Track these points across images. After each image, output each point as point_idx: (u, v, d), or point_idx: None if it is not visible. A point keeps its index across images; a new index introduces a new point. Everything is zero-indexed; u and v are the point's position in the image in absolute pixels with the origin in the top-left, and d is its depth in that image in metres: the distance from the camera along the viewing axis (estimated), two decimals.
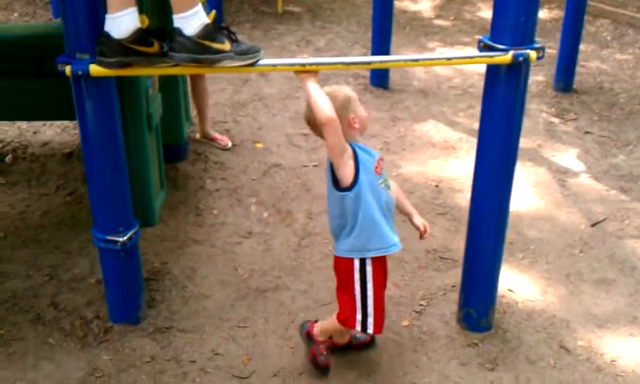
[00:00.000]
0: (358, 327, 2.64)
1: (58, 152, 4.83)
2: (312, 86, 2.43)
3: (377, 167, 2.57)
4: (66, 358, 2.93)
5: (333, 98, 2.45)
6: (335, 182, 2.53)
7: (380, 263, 2.63)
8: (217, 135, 4.95)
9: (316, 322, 2.90)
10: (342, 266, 2.65)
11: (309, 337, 2.87)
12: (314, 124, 2.51)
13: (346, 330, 2.81)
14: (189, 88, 4.90)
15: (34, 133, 5.17)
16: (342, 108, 2.50)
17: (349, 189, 2.50)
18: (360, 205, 2.51)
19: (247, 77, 6.25)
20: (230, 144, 4.93)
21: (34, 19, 8.47)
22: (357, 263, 2.59)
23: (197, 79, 4.76)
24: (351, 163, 2.49)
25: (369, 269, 2.59)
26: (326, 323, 2.83)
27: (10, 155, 4.79)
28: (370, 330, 2.65)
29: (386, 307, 3.23)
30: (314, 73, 2.47)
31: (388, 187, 2.65)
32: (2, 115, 4.41)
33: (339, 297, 2.70)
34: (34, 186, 4.39)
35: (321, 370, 2.83)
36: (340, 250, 2.63)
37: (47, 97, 3.82)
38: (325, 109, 2.37)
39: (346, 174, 2.49)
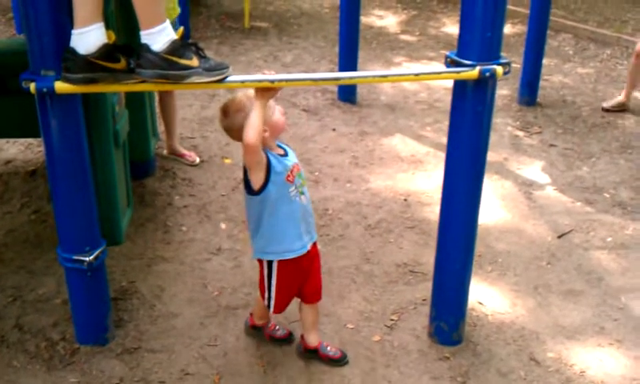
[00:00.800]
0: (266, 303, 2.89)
1: (22, 170, 4.74)
2: (259, 107, 2.48)
3: (289, 176, 2.67)
4: (31, 381, 2.86)
5: (245, 104, 2.57)
6: (247, 185, 2.67)
7: (286, 266, 2.78)
8: (184, 151, 4.91)
9: (251, 314, 3.13)
10: (259, 264, 2.86)
11: (255, 328, 3.12)
12: (230, 131, 2.65)
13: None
14: (156, 104, 4.86)
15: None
16: None
17: (256, 193, 2.64)
18: (264, 210, 2.67)
19: (215, 92, 6.21)
20: (197, 160, 4.89)
21: None
22: (265, 264, 2.80)
23: (165, 95, 4.72)
24: (261, 173, 2.60)
25: (273, 271, 2.79)
26: (257, 307, 3.06)
27: None
28: (271, 311, 2.90)
29: (357, 323, 3.26)
30: (272, 93, 2.51)
31: (302, 193, 2.74)
32: None
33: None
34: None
35: (285, 340, 3.10)
36: (253, 249, 2.83)
37: (10, 114, 3.75)
38: (253, 134, 2.46)
39: (256, 180, 2.61)
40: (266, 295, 2.86)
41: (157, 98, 4.81)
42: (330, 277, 3.61)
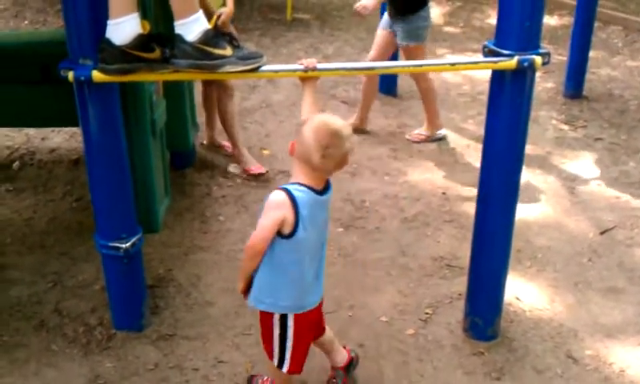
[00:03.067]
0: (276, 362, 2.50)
1: (66, 158, 4.84)
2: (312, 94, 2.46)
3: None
4: (68, 365, 2.92)
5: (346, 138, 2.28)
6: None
7: (303, 319, 2.45)
8: (224, 142, 4.93)
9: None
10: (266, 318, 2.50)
11: None
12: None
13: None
14: (198, 95, 4.89)
15: (42, 139, 5.18)
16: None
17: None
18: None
19: (255, 83, 6.24)
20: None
21: (45, 27, 8.51)
22: (277, 319, 2.44)
23: (207, 86, 4.74)
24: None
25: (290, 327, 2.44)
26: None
27: (17, 162, 4.80)
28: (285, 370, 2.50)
29: (391, 316, 3.23)
30: (313, 80, 2.49)
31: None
32: (10, 122, 4.43)
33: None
34: (40, 192, 4.40)
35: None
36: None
37: (55, 103, 3.81)
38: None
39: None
40: (278, 354, 2.48)
41: (202, 89, 4.82)
42: (365, 269, 3.59)
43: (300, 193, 2.25)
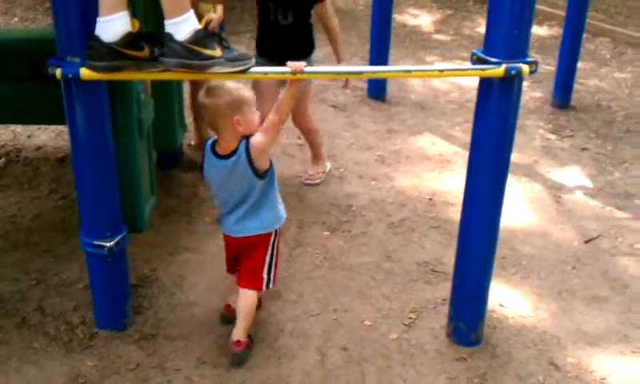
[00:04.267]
0: (264, 287, 2.97)
1: (52, 156, 4.82)
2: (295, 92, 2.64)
3: None
4: (49, 363, 2.90)
5: (225, 92, 2.68)
6: (254, 169, 2.74)
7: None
8: None
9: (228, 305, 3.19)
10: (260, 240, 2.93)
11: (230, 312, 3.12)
12: (210, 109, 2.70)
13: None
14: (187, 95, 4.88)
15: (28, 137, 5.15)
16: (229, 107, 2.67)
17: (266, 173, 2.80)
18: (271, 185, 2.88)
19: (245, 84, 6.22)
20: None
21: (35, 24, 8.48)
22: (272, 235, 2.94)
23: (197, 87, 4.71)
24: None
25: (276, 242, 2.98)
26: (243, 321, 2.95)
27: (3, 159, 4.78)
28: (271, 285, 3.00)
29: (375, 320, 3.24)
30: (296, 84, 2.62)
31: None
32: None
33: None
34: (26, 189, 4.37)
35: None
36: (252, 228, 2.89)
37: (42, 101, 3.80)
38: (287, 116, 2.75)
39: (266, 160, 2.78)
40: (267, 271, 2.96)
41: (189, 91, 4.81)
42: (350, 273, 3.60)
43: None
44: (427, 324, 3.22)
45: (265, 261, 2.94)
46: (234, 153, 2.72)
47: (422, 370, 2.93)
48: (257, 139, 2.70)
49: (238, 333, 2.93)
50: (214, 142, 2.80)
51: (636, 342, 3.14)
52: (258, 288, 2.97)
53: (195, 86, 4.72)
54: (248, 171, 2.73)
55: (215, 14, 4.44)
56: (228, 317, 3.13)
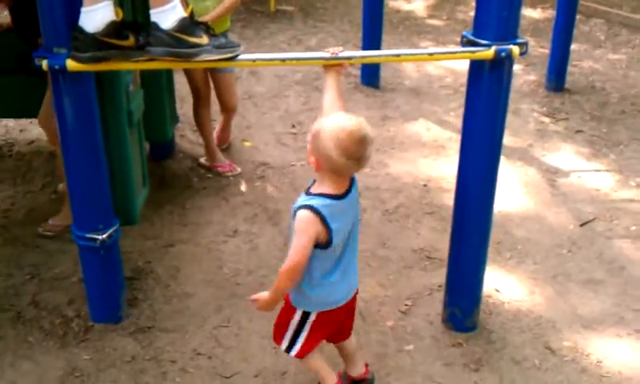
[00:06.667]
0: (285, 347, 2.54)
1: (45, 150, 4.78)
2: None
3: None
4: (45, 358, 2.89)
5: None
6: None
7: (324, 316, 2.47)
8: (221, 164, 4.60)
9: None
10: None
11: None
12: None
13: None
14: (180, 87, 4.83)
15: (21, 131, 5.12)
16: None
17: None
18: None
19: (237, 75, 6.19)
20: (238, 170, 4.59)
21: None
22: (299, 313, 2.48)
23: (198, 107, 4.50)
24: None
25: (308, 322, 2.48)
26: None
27: None
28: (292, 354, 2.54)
29: (371, 307, 3.23)
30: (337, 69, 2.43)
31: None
32: None
33: None
34: (19, 183, 4.35)
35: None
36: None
37: (34, 94, 3.77)
38: None
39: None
40: (288, 341, 2.52)
41: (193, 110, 4.61)
42: None
43: (324, 206, 2.24)
44: (423, 310, 3.21)
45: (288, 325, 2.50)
46: (352, 182, 2.37)
47: (418, 356, 2.93)
48: None
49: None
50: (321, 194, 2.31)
51: (632, 325, 3.13)
52: (277, 343, 2.59)
53: (197, 104, 4.51)
54: None
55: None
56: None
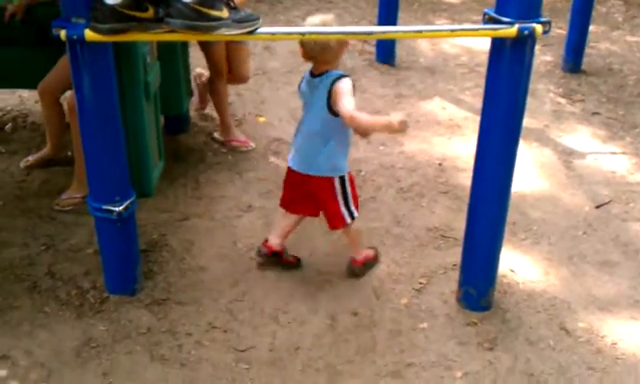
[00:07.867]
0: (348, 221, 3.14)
1: None
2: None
3: None
4: (61, 327, 2.91)
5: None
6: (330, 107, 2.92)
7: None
8: (236, 139, 4.59)
9: (267, 241, 3.31)
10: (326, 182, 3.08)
11: (274, 254, 3.30)
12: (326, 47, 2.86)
13: None
14: (195, 61, 4.80)
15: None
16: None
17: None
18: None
19: (252, 50, 6.17)
20: (252, 145, 4.59)
21: None
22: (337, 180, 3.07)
23: (216, 82, 4.46)
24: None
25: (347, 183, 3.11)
26: (280, 229, 3.31)
27: (10, 124, 4.75)
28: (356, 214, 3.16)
29: (385, 285, 3.23)
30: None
31: None
32: (4, 83, 4.36)
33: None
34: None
35: (295, 265, 3.35)
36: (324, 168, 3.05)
37: (50, 65, 3.77)
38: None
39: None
40: (346, 209, 3.10)
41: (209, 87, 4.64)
42: None
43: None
44: (437, 289, 3.21)
45: (338, 201, 3.09)
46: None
47: (432, 334, 2.93)
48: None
49: (352, 252, 3.29)
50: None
51: None
52: (342, 226, 3.17)
53: (217, 75, 4.44)
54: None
55: None
56: (260, 250, 3.33)
